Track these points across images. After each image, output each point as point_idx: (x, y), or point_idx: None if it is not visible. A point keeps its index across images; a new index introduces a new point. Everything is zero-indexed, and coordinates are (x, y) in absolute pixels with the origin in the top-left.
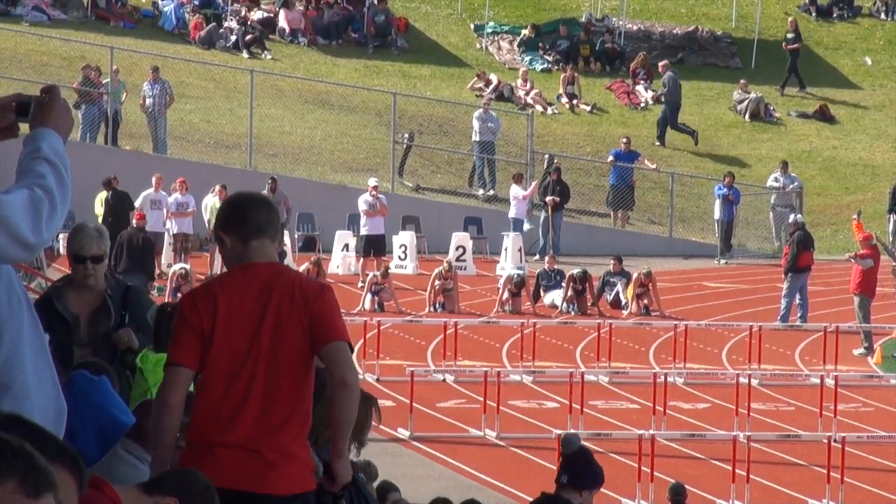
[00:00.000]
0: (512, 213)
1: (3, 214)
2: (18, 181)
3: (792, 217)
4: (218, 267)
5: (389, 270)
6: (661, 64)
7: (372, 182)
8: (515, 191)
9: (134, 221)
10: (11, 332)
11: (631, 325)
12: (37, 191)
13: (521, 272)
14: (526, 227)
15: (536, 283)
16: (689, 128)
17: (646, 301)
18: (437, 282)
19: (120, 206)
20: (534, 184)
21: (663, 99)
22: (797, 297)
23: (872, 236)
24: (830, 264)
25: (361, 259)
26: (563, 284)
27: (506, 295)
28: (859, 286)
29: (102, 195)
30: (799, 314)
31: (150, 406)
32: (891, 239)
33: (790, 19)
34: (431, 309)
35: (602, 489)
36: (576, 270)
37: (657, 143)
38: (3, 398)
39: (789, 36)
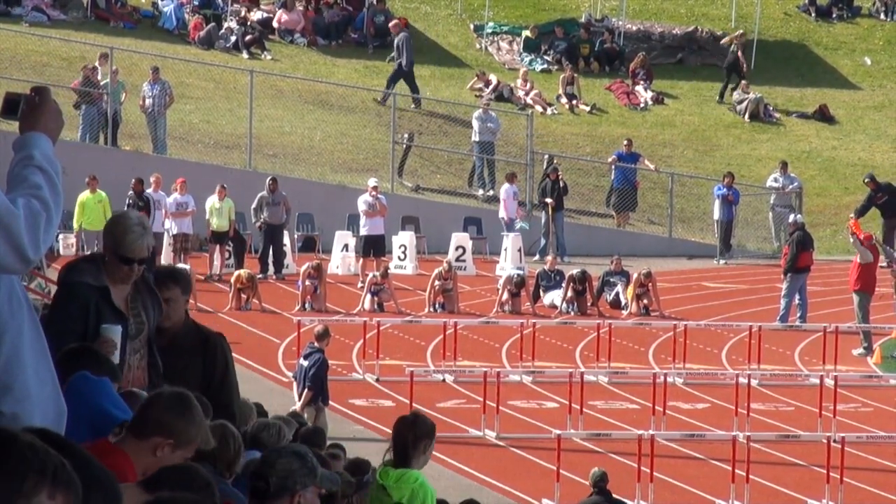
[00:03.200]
0: (502, 214)
1: (7, 223)
2: (13, 190)
3: (791, 217)
4: (217, 267)
5: (389, 271)
6: (391, 24)
7: (371, 182)
8: (507, 190)
9: None
10: (12, 334)
11: (630, 326)
12: (34, 203)
13: (521, 272)
14: (518, 226)
15: (536, 283)
16: (418, 90)
17: (645, 301)
18: (436, 282)
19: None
20: (519, 207)
21: (398, 61)
22: (796, 297)
23: (872, 236)
24: (830, 264)
25: (361, 259)
26: (563, 285)
27: (505, 295)
28: (858, 282)
29: (84, 196)
30: (798, 314)
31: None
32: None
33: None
34: (431, 309)
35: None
36: (575, 271)
37: (378, 101)
38: (3, 399)
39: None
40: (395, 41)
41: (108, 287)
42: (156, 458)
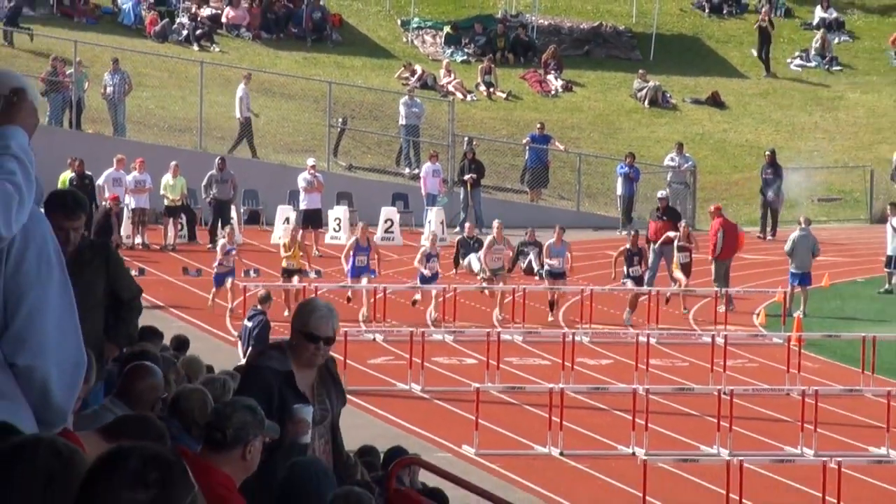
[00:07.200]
0: (425, 189)
1: None
2: None
3: (661, 193)
4: (172, 238)
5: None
6: None
7: (310, 162)
8: (428, 168)
9: (108, 203)
10: (36, 292)
11: (543, 290)
12: (7, 186)
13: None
14: (439, 201)
15: (457, 250)
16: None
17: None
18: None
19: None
20: (440, 184)
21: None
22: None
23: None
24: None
25: (301, 231)
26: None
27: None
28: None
29: (66, 175)
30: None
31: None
32: (758, 215)
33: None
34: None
35: (516, 437)
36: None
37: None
38: (19, 352)
39: None
40: None
41: (291, 371)
42: None
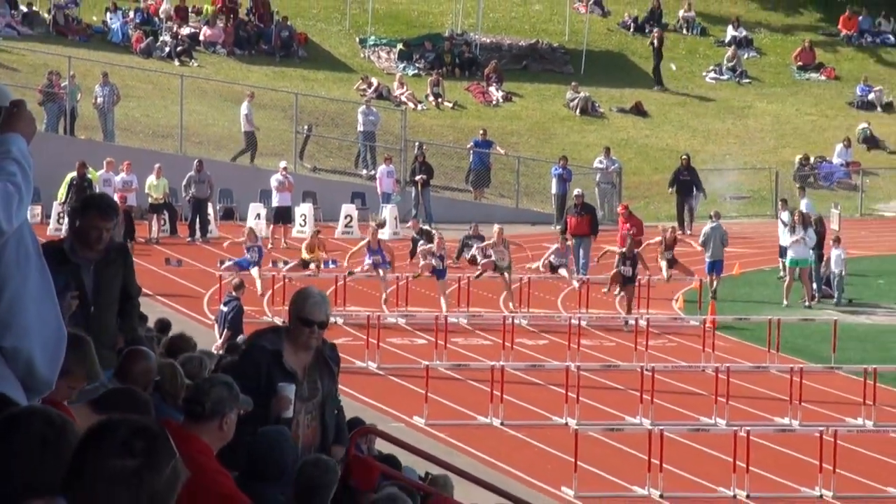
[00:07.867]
0: (381, 189)
1: None
2: None
3: (577, 191)
4: (155, 232)
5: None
6: None
7: (282, 164)
8: (383, 170)
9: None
10: (16, 280)
11: (484, 279)
12: (9, 186)
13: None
14: (394, 199)
15: (413, 244)
16: None
17: (675, 268)
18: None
19: (83, 189)
20: (394, 184)
21: None
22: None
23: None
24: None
25: (272, 226)
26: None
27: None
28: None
29: (70, 176)
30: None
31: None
32: (675, 212)
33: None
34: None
35: (462, 409)
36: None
37: None
38: (5, 335)
39: None
40: None
41: (280, 351)
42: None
